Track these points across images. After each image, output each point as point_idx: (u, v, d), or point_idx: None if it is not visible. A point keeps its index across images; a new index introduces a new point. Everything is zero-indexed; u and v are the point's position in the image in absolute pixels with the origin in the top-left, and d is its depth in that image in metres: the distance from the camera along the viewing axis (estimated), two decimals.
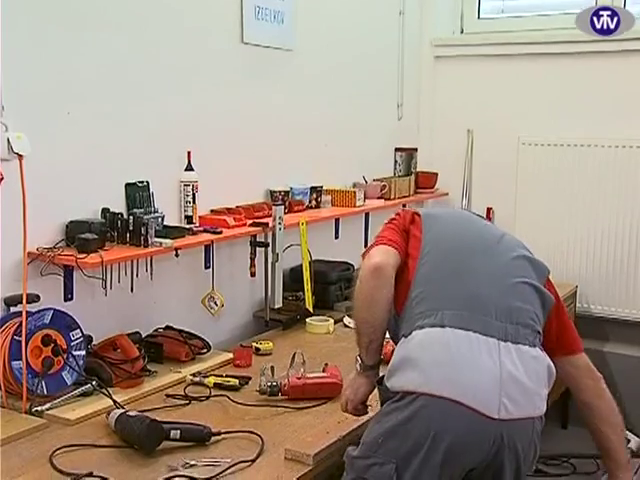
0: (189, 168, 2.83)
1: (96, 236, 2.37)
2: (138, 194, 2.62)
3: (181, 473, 1.84)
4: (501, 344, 1.80)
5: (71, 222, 2.42)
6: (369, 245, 2.03)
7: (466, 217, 2.22)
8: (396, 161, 4.29)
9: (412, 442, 1.73)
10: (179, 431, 2.00)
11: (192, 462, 1.90)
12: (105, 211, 2.52)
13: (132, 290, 2.59)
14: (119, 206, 2.59)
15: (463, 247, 1.98)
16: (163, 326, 2.75)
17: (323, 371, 2.46)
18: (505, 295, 1.89)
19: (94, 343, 2.46)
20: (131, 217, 2.48)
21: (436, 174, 4.41)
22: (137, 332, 2.62)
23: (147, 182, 2.67)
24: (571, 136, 4.14)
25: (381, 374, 1.99)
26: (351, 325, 3.14)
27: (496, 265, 1.96)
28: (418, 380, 1.76)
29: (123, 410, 2.11)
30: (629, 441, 3.49)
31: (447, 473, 1.74)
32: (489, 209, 4.45)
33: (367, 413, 2.08)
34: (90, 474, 1.80)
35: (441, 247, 1.98)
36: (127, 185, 2.62)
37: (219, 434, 2.05)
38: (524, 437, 1.79)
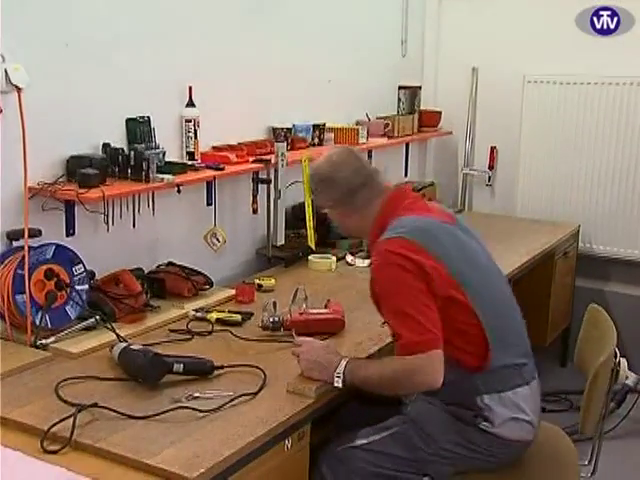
0: (190, 104, 2.80)
1: (97, 171, 2.35)
2: (139, 129, 2.59)
3: (184, 405, 1.86)
4: None
5: (72, 157, 2.39)
6: (404, 320, 1.86)
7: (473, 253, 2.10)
8: (399, 99, 4.24)
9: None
10: (182, 364, 2.01)
11: (196, 394, 1.92)
12: (106, 146, 2.50)
13: (134, 226, 2.58)
14: (120, 141, 2.56)
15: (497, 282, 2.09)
16: (165, 262, 2.76)
17: (325, 307, 2.47)
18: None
19: (97, 278, 2.46)
20: (132, 152, 2.45)
21: (440, 112, 4.36)
22: (139, 268, 2.62)
23: (148, 117, 2.63)
24: (577, 73, 4.07)
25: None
26: (353, 262, 3.15)
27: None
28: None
29: (126, 343, 2.12)
30: (627, 377, 3.53)
31: None
32: (493, 148, 4.42)
33: None
34: (95, 405, 1.82)
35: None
36: (128, 120, 2.59)
37: (222, 368, 2.06)
38: None
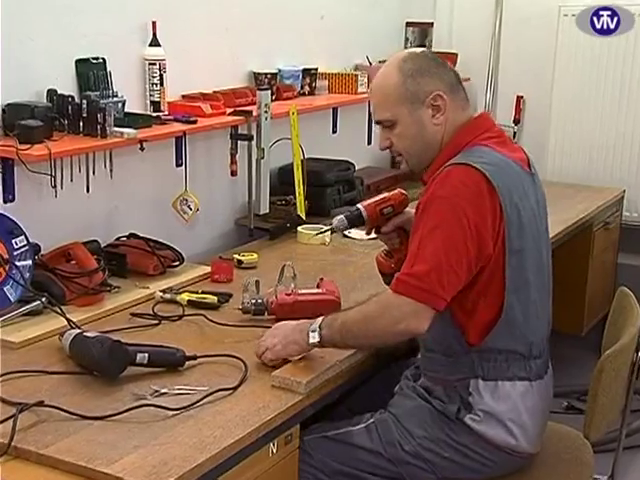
0: (155, 43, 2.78)
1: (41, 123, 2.33)
2: (92, 73, 2.57)
3: (150, 402, 1.86)
4: None
5: (9, 105, 2.38)
6: (418, 264, 1.90)
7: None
8: (407, 38, 4.25)
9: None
10: (147, 354, 2.01)
11: (163, 390, 1.92)
12: (52, 93, 2.48)
13: (88, 190, 2.57)
14: (69, 87, 2.54)
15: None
16: (126, 234, 2.76)
17: (317, 287, 2.47)
18: None
19: (43, 253, 2.45)
20: (84, 101, 2.44)
21: (455, 55, 4.32)
22: (95, 240, 2.61)
23: (103, 59, 2.62)
24: (629, 3, 4.05)
25: None
26: (351, 235, 3.15)
27: None
28: None
29: (79, 330, 2.12)
30: None
31: None
32: (519, 98, 4.41)
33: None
34: (40, 403, 1.81)
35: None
36: (78, 62, 2.57)
37: (194, 358, 2.07)
38: None
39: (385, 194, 2.30)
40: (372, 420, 2.10)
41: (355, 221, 2.27)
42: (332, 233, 2.28)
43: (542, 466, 2.13)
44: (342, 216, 2.27)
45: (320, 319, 2.02)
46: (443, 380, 2.07)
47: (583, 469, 2.23)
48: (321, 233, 2.34)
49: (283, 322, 2.13)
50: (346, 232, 3.19)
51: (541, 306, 2.08)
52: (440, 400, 2.06)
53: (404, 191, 2.32)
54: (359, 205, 2.28)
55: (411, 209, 2.23)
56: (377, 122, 2.14)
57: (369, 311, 1.97)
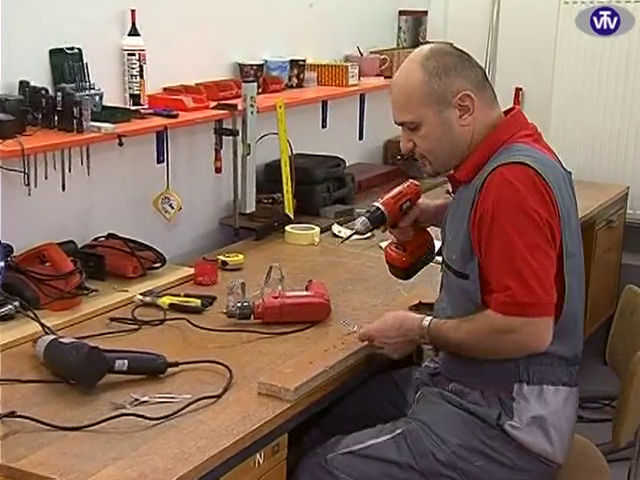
0: (134, 32, 2.77)
1: (12, 117, 2.33)
2: (67, 64, 2.57)
3: (129, 411, 1.85)
4: None
5: None
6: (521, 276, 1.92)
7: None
8: (400, 28, 4.25)
9: None
10: (126, 361, 2.01)
11: (143, 398, 1.92)
12: (24, 85, 2.48)
13: (64, 188, 2.56)
14: (42, 79, 2.54)
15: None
16: (104, 234, 2.75)
17: (306, 289, 2.48)
18: None
19: (15, 254, 2.44)
20: (59, 94, 2.44)
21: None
22: (71, 241, 2.61)
23: (79, 49, 2.61)
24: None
25: None
26: (341, 234, 3.15)
27: None
28: None
29: (54, 336, 2.11)
30: None
31: None
32: (518, 90, 4.42)
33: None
34: (12, 414, 1.80)
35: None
36: (52, 52, 2.56)
37: (176, 365, 2.07)
38: None
39: (399, 188, 2.30)
40: (399, 430, 2.07)
41: (377, 220, 2.26)
42: (351, 236, 2.31)
43: (563, 475, 2.13)
44: (364, 218, 2.26)
45: (422, 328, 2.09)
46: (481, 385, 2.05)
47: (602, 478, 2.24)
48: (347, 239, 2.35)
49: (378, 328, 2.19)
50: (336, 231, 3.21)
51: (581, 311, 2.12)
52: (477, 404, 2.04)
53: (417, 182, 2.32)
54: (377, 204, 2.26)
55: (423, 200, 2.28)
56: (399, 123, 2.12)
57: (484, 337, 1.99)
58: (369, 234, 2.74)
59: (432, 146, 2.08)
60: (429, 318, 2.11)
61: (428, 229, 2.36)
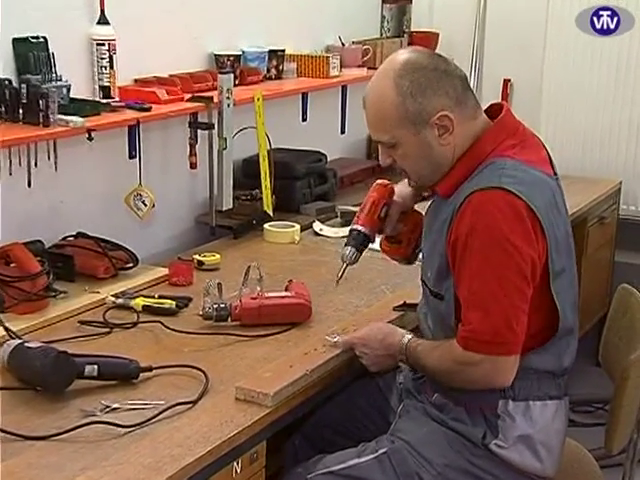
0: (103, 21, 2.75)
1: None
2: (32, 54, 2.55)
3: (99, 419, 1.84)
4: None
5: None
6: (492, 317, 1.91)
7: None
8: (383, 17, 4.26)
9: None
10: (96, 366, 2.00)
11: (114, 405, 1.91)
12: None
13: (29, 185, 2.55)
14: (6, 70, 2.53)
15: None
16: (74, 233, 2.73)
17: (286, 290, 2.48)
18: None
19: None
20: (23, 85, 2.44)
21: (437, 34, 4.34)
22: (38, 240, 2.58)
23: (44, 38, 2.59)
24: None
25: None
26: (323, 232, 3.15)
27: None
28: None
29: (20, 341, 2.10)
30: None
31: None
32: (506, 81, 4.42)
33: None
34: None
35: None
36: (15, 41, 2.55)
37: (150, 370, 2.06)
38: None
39: (370, 198, 2.27)
40: (383, 450, 2.05)
41: (363, 244, 2.25)
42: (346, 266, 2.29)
43: None
44: (349, 247, 2.25)
45: (401, 346, 2.10)
46: (466, 400, 2.03)
47: None
48: (342, 275, 2.31)
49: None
50: (317, 229, 3.20)
51: (574, 322, 2.08)
52: (462, 422, 2.03)
53: (384, 181, 2.30)
54: (356, 226, 2.25)
55: (398, 191, 2.27)
56: (375, 141, 2.09)
57: (448, 366, 2.00)
58: None
59: (412, 164, 2.05)
60: (409, 336, 2.10)
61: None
